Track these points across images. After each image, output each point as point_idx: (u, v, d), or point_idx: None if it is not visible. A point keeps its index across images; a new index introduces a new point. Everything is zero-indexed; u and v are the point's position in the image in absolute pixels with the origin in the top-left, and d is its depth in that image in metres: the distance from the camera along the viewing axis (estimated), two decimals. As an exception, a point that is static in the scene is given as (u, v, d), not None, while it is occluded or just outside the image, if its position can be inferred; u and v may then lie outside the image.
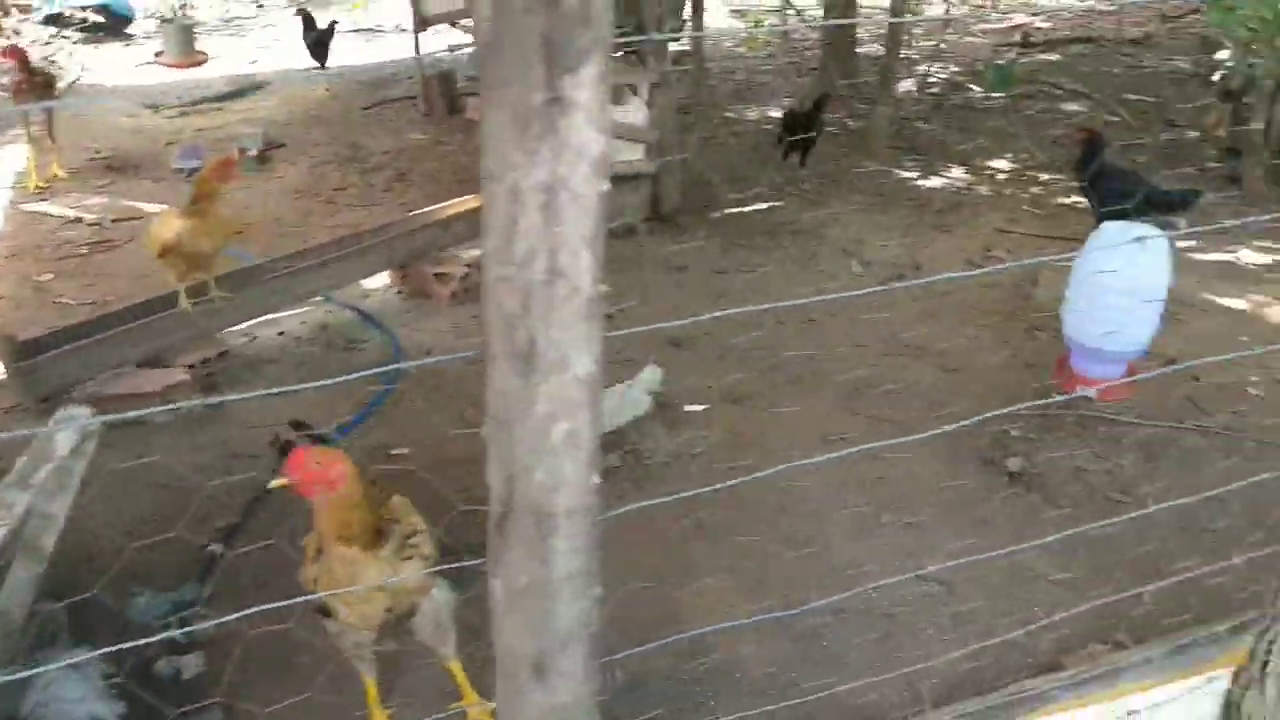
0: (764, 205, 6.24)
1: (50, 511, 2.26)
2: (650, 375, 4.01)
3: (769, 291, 5.03)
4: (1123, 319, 3.65)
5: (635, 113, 5.64)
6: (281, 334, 4.62)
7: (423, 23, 7.48)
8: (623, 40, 5.55)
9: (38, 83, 6.23)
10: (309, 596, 2.01)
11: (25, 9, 10.87)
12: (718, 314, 1.63)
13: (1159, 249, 3.62)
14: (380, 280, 5.11)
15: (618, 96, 5.95)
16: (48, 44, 9.08)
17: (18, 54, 6.30)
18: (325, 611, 2.10)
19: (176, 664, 2.63)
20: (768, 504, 3.32)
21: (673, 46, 10.69)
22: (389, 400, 4.03)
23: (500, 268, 1.01)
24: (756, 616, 2.79)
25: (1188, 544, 3.05)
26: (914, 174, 6.80)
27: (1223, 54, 5.92)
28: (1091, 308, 3.69)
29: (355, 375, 1.36)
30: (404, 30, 9.30)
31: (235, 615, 1.57)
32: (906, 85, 9.03)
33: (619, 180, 5.69)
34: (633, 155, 5.69)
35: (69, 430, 2.21)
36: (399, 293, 5.08)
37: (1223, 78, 7.05)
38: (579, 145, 0.96)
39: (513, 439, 1.08)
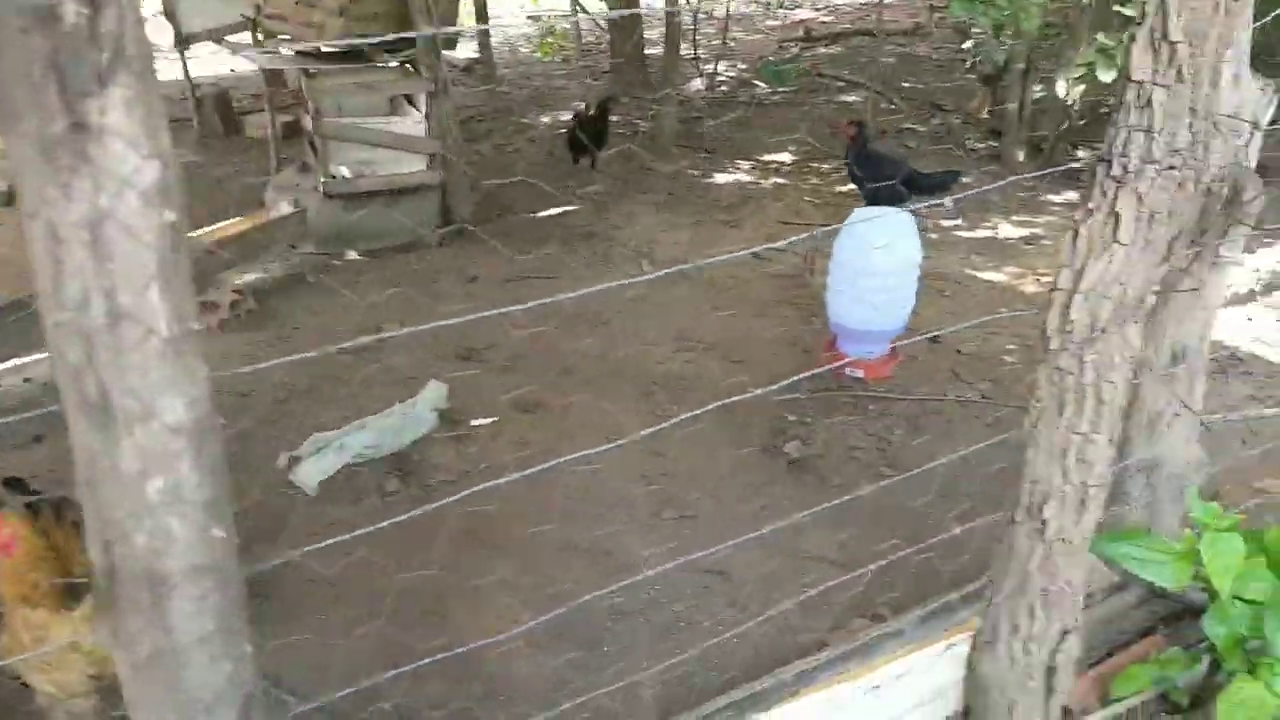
0: (557, 210, 6.22)
1: None
2: (433, 392, 3.91)
3: (563, 295, 5.00)
4: (879, 299, 3.82)
5: (414, 123, 5.50)
6: (27, 380, 4.24)
7: (184, 41, 7.06)
8: (380, 46, 5.42)
9: None
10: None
11: None
12: (489, 312, 1.57)
13: (907, 229, 3.81)
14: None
15: (395, 108, 5.80)
16: None
17: None
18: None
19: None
20: (553, 513, 3.28)
21: (465, 55, 10.57)
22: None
23: (56, 313, 0.91)
24: (541, 632, 2.75)
25: (948, 510, 3.20)
26: (702, 172, 6.94)
27: (970, 42, 6.33)
28: (849, 291, 3.84)
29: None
30: (161, 50, 8.73)
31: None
32: (697, 85, 9.24)
33: (402, 193, 5.54)
34: (414, 167, 5.55)
35: None
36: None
37: (975, 63, 7.54)
38: (123, 174, 0.87)
39: (103, 500, 0.98)
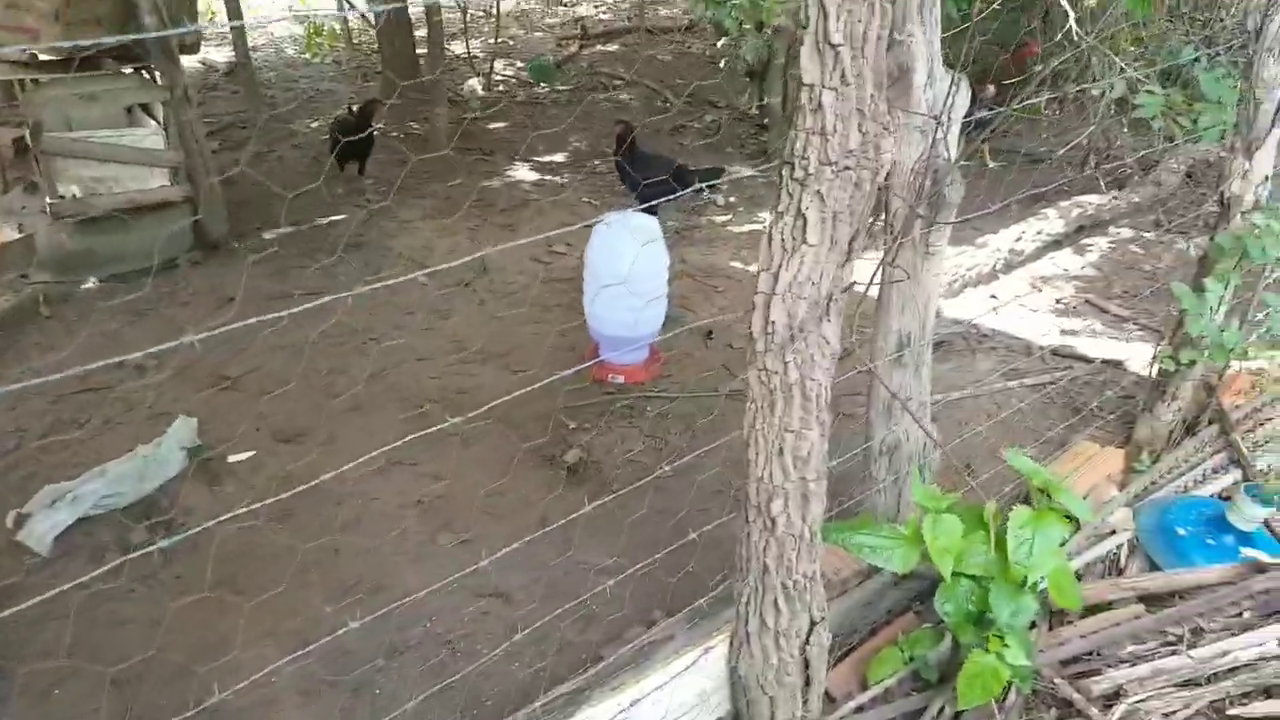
0: (324, 220, 5.93)
1: None
2: (181, 428, 3.61)
3: (331, 312, 4.76)
4: (629, 306, 3.84)
5: (151, 135, 5.07)
6: None
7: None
8: (107, 52, 4.97)
9: None
10: None
11: None
12: (235, 324, 1.40)
13: (651, 233, 3.84)
14: None
15: (134, 119, 5.34)
16: None
17: None
18: None
19: None
20: (320, 548, 3.10)
21: (225, 58, 9.91)
22: None
23: None
24: (307, 680, 2.58)
25: (722, 507, 3.26)
26: (479, 175, 6.81)
27: (724, 39, 6.51)
28: (602, 299, 3.85)
29: None
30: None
31: None
32: (474, 84, 9.07)
33: (143, 211, 5.11)
34: (157, 183, 5.12)
35: None
36: None
37: (729, 60, 7.77)
38: None
39: None
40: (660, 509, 3.15)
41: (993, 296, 5.00)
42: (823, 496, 2.00)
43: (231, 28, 8.59)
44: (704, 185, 5.46)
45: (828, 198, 1.65)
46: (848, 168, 1.63)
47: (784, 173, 1.65)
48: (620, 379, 3.97)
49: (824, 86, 1.52)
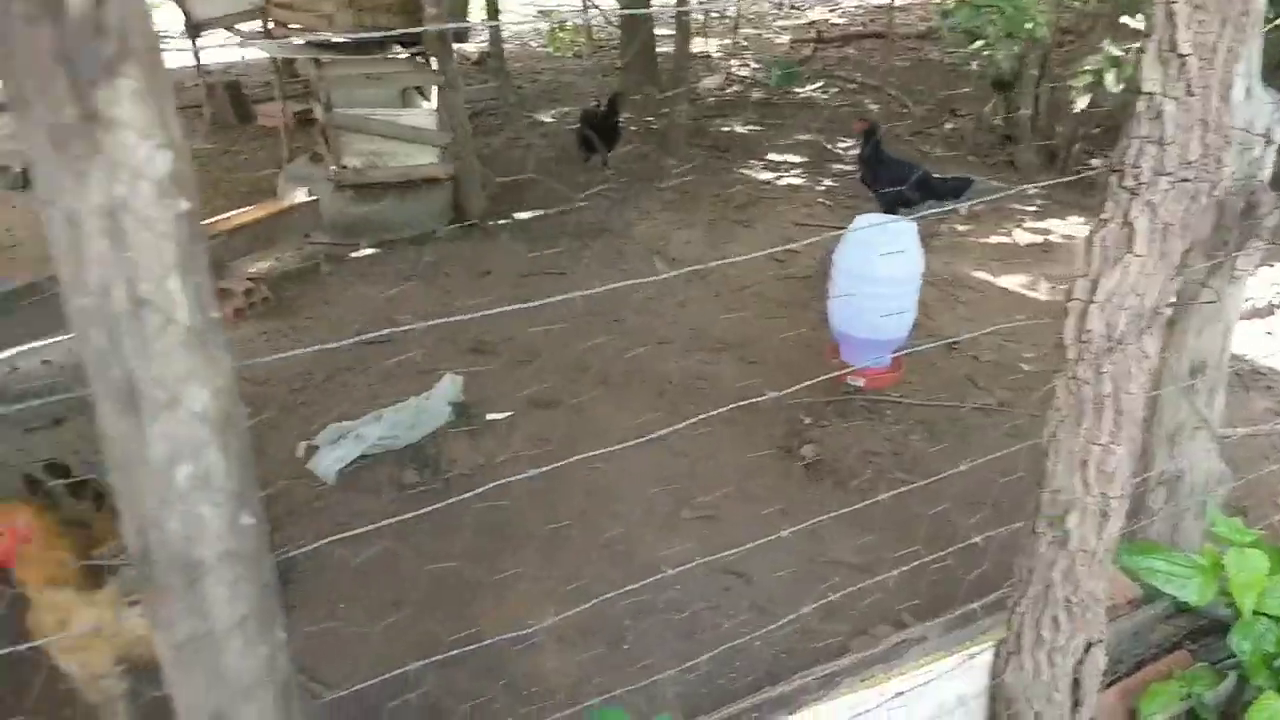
0: (569, 207, 6.22)
1: None
2: (449, 385, 3.90)
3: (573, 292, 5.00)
4: (881, 308, 3.81)
5: (425, 116, 5.49)
6: (46, 363, 4.23)
7: (194, 28, 7.04)
8: (391, 38, 5.40)
9: None
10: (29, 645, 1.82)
11: None
12: (511, 307, 1.57)
13: (909, 238, 3.80)
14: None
15: (407, 100, 5.79)
16: None
17: None
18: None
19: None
20: (574, 508, 3.28)
21: (475, 47, 10.54)
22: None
23: (79, 298, 0.91)
24: (564, 628, 2.75)
25: (967, 517, 3.20)
26: (714, 171, 6.93)
27: (978, 43, 6.32)
28: (852, 299, 3.84)
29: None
30: (173, 37, 8.75)
31: None
32: (709, 83, 9.23)
33: (413, 186, 5.53)
34: (426, 160, 5.53)
35: None
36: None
37: (984, 69, 7.52)
38: (134, 164, 0.87)
39: (134, 486, 0.99)
40: (902, 512, 3.13)
41: (1268, 333, 4.64)
42: (1121, 515, 1.94)
43: (489, 27, 9.12)
44: (959, 198, 5.31)
45: (1160, 209, 1.61)
46: (1185, 179, 1.58)
47: (1111, 180, 1.62)
48: (860, 382, 3.95)
49: (1166, 95, 1.49)
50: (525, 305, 1.73)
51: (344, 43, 5.63)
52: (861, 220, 3.97)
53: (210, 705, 1.11)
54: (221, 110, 7.74)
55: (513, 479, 1.77)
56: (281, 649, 1.15)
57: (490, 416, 3.89)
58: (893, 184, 4.91)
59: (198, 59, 7.42)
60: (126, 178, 0.86)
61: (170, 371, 0.94)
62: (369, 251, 5.47)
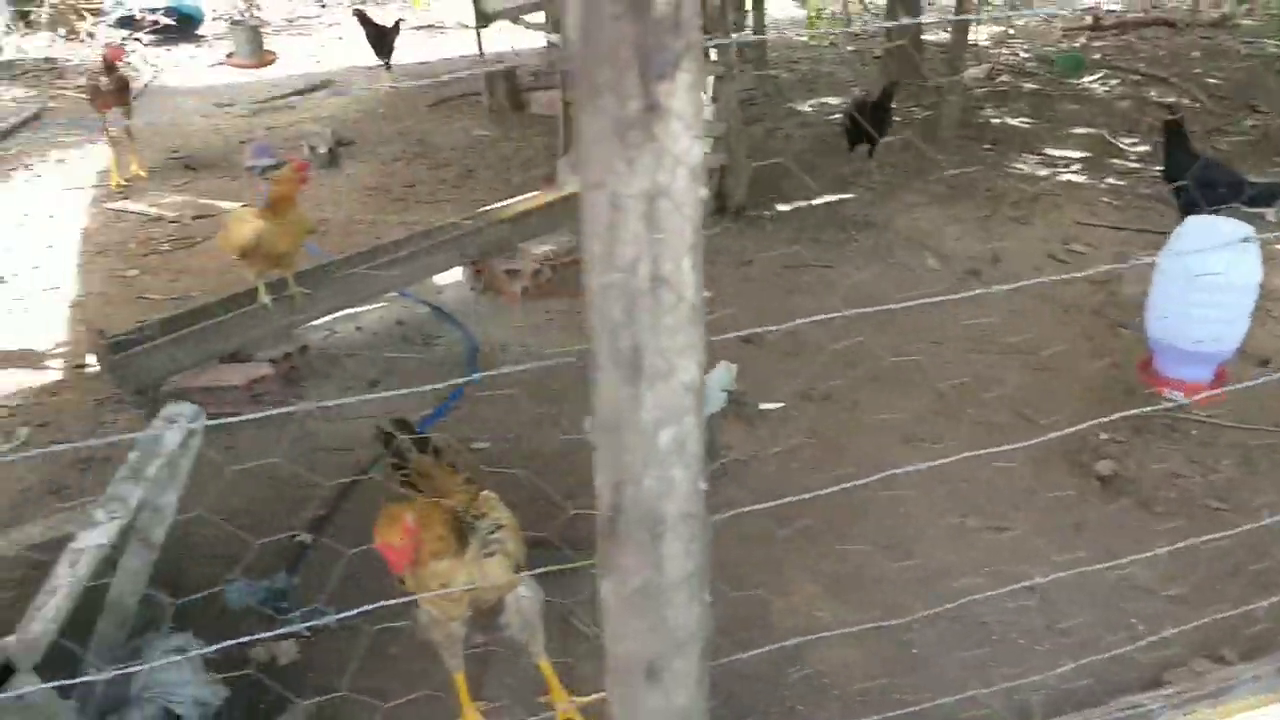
0: (832, 198, 6.16)
1: (161, 504, 2.31)
2: (724, 372, 3.97)
3: (841, 286, 4.96)
4: (1213, 319, 3.52)
5: (704, 107, 5.59)
6: (359, 329, 4.68)
7: (484, 19, 7.50)
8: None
9: (116, 84, 6.38)
10: (401, 600, 2.03)
11: (97, 12, 11.16)
12: (815, 318, 1.60)
13: (1249, 244, 3.48)
14: (453, 276, 5.14)
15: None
16: (121, 46, 9.28)
17: (118, 54, 6.50)
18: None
19: (272, 650, 2.67)
20: (857, 508, 3.26)
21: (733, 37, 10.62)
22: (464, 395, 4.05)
23: (604, 275, 1.00)
24: (849, 623, 2.75)
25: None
26: (985, 164, 6.65)
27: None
28: (1181, 308, 3.56)
29: (465, 379, 1.35)
30: (466, 27, 9.38)
31: (354, 612, 1.59)
32: (975, 73, 8.85)
33: (688, 175, 5.65)
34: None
35: (177, 428, 2.25)
36: (472, 288, 5.10)
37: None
38: (678, 152, 0.94)
39: (620, 446, 1.08)
40: (1221, 544, 2.90)
41: None
42: None
43: (754, 22, 9.15)
44: (1269, 211, 4.83)
45: None
46: None
47: None
48: (1179, 395, 3.68)
49: None
50: (832, 314, 1.73)
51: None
52: (1192, 222, 3.68)
53: (647, 654, 1.20)
54: (498, 98, 8.22)
55: (778, 467, 1.78)
56: (708, 609, 1.24)
57: (763, 406, 3.93)
58: (1203, 186, 4.52)
59: (481, 48, 7.92)
60: (669, 165, 0.94)
61: (673, 344, 1.02)
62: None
